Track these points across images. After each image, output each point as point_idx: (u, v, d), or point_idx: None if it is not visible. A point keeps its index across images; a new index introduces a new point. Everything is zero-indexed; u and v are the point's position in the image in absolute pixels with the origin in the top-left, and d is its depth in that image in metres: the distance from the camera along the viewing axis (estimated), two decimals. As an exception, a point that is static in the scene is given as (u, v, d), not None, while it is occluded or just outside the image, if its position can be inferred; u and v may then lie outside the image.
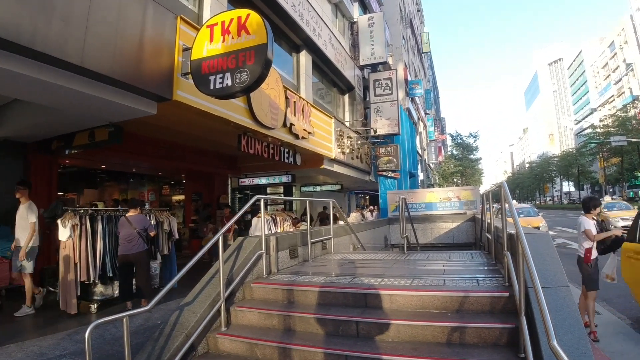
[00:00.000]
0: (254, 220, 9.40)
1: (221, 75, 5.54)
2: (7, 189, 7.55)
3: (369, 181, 18.71)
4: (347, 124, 17.59)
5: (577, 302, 5.90)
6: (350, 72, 18.25)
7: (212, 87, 5.60)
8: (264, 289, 4.70)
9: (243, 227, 11.48)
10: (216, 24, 5.75)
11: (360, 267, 5.74)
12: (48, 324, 5.75)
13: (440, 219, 13.02)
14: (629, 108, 50.65)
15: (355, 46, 19.59)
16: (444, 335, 3.42)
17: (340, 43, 16.88)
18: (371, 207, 19.55)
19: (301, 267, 5.85)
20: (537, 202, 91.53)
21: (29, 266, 6.40)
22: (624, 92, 76.39)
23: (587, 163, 63.03)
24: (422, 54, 52.15)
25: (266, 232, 5.33)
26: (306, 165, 12.12)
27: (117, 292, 6.88)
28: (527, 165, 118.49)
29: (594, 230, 5.70)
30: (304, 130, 10.56)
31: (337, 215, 11.38)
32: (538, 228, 15.18)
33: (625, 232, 6.26)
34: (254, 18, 5.47)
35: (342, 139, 13.91)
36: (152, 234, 7.02)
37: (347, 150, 14.39)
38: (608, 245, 5.82)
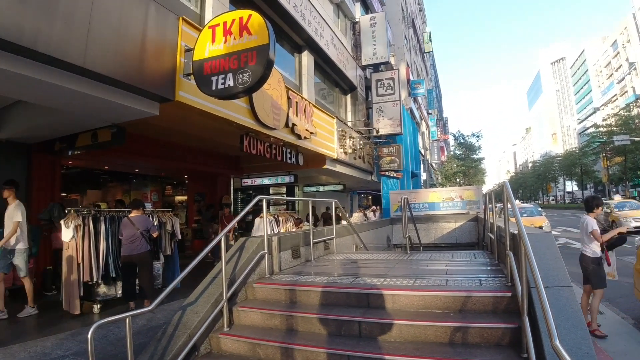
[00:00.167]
0: (257, 220, 9.41)
1: (223, 75, 5.55)
2: (10, 190, 7.58)
3: (372, 181, 18.69)
4: (350, 124, 17.60)
5: (579, 301, 5.90)
6: (352, 72, 18.25)
7: (214, 87, 5.61)
8: (266, 289, 4.70)
9: (245, 227, 11.51)
10: (218, 24, 5.76)
11: (363, 267, 5.74)
12: (51, 324, 5.76)
13: (442, 218, 13.01)
14: (632, 107, 50.40)
15: (357, 46, 19.58)
16: (447, 335, 3.42)
17: (342, 43, 16.88)
18: (373, 207, 19.52)
19: (303, 267, 5.85)
20: (540, 202, 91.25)
21: (23, 268, 6.32)
22: (626, 91, 76.03)
23: (590, 162, 62.79)
24: (425, 54, 52.09)
25: (269, 233, 5.33)
26: (308, 166, 12.12)
27: (120, 292, 6.89)
28: (530, 164, 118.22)
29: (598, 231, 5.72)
30: (306, 130, 10.56)
31: (340, 215, 11.40)
32: (541, 228, 15.16)
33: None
34: (255, 19, 5.48)
35: (344, 139, 13.91)
36: (154, 234, 7.04)
37: (350, 151, 14.38)
38: (611, 243, 5.82)
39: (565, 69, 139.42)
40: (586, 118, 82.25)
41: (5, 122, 7.35)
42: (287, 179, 12.88)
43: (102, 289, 6.74)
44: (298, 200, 15.89)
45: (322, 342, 3.64)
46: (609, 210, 19.39)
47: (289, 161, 10.51)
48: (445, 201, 13.64)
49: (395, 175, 19.09)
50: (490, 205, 6.61)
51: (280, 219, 9.82)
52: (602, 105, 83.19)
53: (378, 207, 19.65)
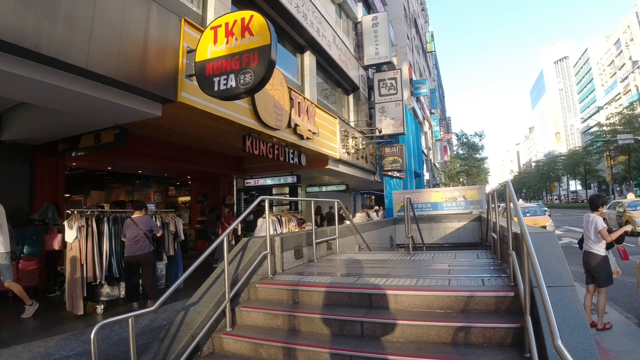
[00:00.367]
0: (259, 220, 9.42)
1: (225, 76, 5.56)
2: (14, 192, 7.63)
3: (375, 181, 18.69)
4: (352, 124, 17.60)
5: (583, 301, 5.89)
6: (354, 72, 18.25)
7: (216, 88, 5.62)
8: (268, 289, 4.71)
9: (245, 227, 11.50)
10: (220, 25, 5.78)
11: (365, 267, 5.73)
12: (54, 324, 5.78)
13: (446, 218, 12.98)
14: (635, 106, 50.27)
15: (359, 46, 19.58)
16: (449, 335, 3.41)
17: (344, 43, 16.88)
18: (376, 207, 19.52)
19: (306, 267, 5.85)
20: (543, 202, 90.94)
21: (4, 273, 5.99)
22: (630, 90, 75.80)
23: (593, 161, 62.58)
24: (427, 54, 52.03)
25: (271, 233, 5.34)
26: (311, 166, 12.13)
27: (123, 293, 6.92)
28: (533, 164, 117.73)
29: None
30: (309, 130, 10.56)
31: (344, 215, 11.39)
32: (545, 227, 15.12)
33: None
34: (257, 19, 5.49)
35: (347, 139, 13.91)
36: (158, 234, 7.06)
37: (352, 151, 14.38)
38: (615, 240, 5.82)
39: (569, 67, 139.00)
40: (590, 117, 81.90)
41: (8, 124, 7.39)
42: (290, 180, 12.89)
43: (106, 290, 6.76)
44: (300, 200, 15.89)
45: (325, 342, 3.64)
46: (622, 210, 18.92)
47: (291, 161, 10.52)
48: (448, 201, 13.61)
49: (398, 175, 19.08)
50: (493, 205, 6.60)
51: (283, 219, 9.82)
52: (605, 104, 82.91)
53: (381, 207, 19.65)
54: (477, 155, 57.54)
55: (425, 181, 32.68)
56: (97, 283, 6.57)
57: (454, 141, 67.85)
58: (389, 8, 26.87)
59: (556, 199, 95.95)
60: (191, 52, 6.10)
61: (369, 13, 21.41)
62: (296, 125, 9.87)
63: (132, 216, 6.80)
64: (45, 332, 5.39)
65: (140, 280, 6.90)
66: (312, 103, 11.22)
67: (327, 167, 12.67)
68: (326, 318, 3.92)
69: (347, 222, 9.75)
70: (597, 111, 79.50)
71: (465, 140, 57.68)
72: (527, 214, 18.30)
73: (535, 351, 2.75)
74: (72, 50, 4.46)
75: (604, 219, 5.86)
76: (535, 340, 2.83)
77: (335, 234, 7.54)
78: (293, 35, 12.86)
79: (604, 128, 53.29)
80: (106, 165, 11.58)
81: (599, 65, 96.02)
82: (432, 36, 51.21)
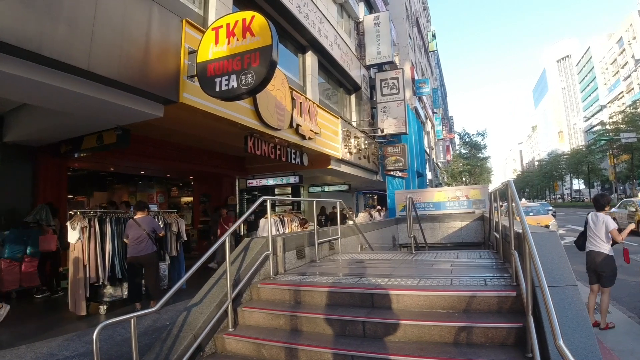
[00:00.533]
0: (262, 221, 9.42)
1: (227, 77, 5.57)
2: (17, 193, 7.66)
3: (377, 181, 18.67)
4: (354, 124, 17.59)
5: (586, 301, 5.87)
6: (356, 72, 18.24)
7: (217, 89, 5.63)
8: (271, 289, 4.71)
9: (247, 228, 11.52)
10: (221, 26, 5.79)
11: (368, 267, 5.74)
12: (57, 325, 5.80)
13: (448, 218, 12.97)
14: (638, 104, 49.97)
15: (361, 46, 19.57)
16: (451, 335, 3.41)
17: (346, 43, 16.87)
18: (379, 207, 19.50)
19: (308, 267, 5.86)
20: (546, 201, 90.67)
21: None
22: (633, 88, 75.56)
23: (597, 160, 62.34)
24: (429, 53, 51.96)
25: (274, 233, 5.34)
26: (313, 166, 12.13)
27: (126, 293, 6.93)
28: (536, 163, 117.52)
29: None
30: (311, 130, 10.56)
31: (347, 215, 11.39)
32: (547, 227, 15.09)
33: None
34: (258, 20, 5.50)
35: (349, 139, 13.90)
36: (160, 235, 7.07)
37: (354, 150, 14.38)
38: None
39: (571, 66, 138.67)
40: (592, 116, 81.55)
41: (11, 125, 7.42)
42: (292, 180, 12.88)
43: (108, 290, 6.78)
44: (302, 200, 15.89)
45: (327, 342, 3.64)
46: (634, 209, 18.55)
47: (293, 161, 10.53)
48: (451, 200, 13.59)
49: (400, 174, 19.07)
50: (495, 205, 6.59)
51: (286, 219, 9.83)
52: (608, 103, 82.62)
53: (383, 207, 19.64)
54: (480, 155, 57.33)
55: (427, 181, 32.67)
56: (100, 284, 6.58)
57: (457, 140, 67.61)
58: (391, 7, 26.84)
59: (559, 198, 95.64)
60: (193, 52, 6.10)
61: (370, 13, 21.40)
62: (298, 125, 9.88)
63: (135, 217, 6.82)
64: (48, 332, 5.40)
65: (143, 281, 6.91)
66: (314, 103, 11.22)
67: (330, 167, 12.67)
68: (328, 318, 3.92)
69: (350, 222, 9.74)
70: (600, 110, 79.18)
71: (467, 139, 57.43)
72: (530, 213, 18.25)
73: (537, 351, 2.74)
74: (73, 52, 4.47)
75: (614, 219, 5.84)
76: (538, 340, 2.82)
77: (337, 234, 7.53)
78: (294, 35, 12.87)
79: (607, 127, 53.09)
80: (109, 166, 11.60)
81: (601, 63, 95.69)
82: (434, 35, 51.08)
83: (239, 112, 7.52)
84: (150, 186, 16.51)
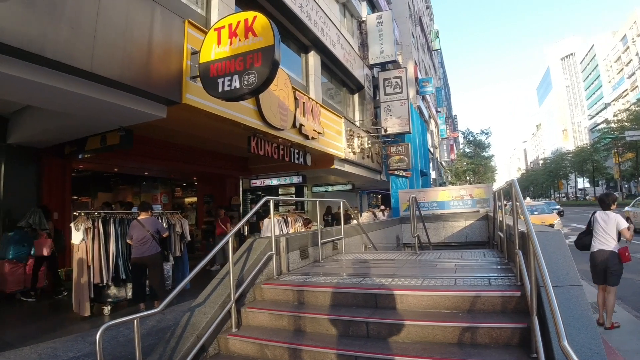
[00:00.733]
0: (265, 221, 9.43)
1: (229, 77, 5.57)
2: (21, 194, 7.68)
3: (381, 180, 18.65)
4: (358, 123, 17.57)
5: (595, 300, 5.86)
6: (359, 72, 18.22)
7: (220, 89, 5.63)
8: (274, 289, 4.71)
9: (249, 229, 11.54)
10: (223, 26, 5.79)
11: (371, 267, 5.72)
12: (61, 326, 5.81)
13: (452, 217, 12.92)
14: (643, 102, 49.79)
15: (364, 45, 19.54)
16: (455, 335, 3.39)
17: (349, 43, 16.86)
18: (382, 207, 19.48)
19: (312, 267, 5.85)
20: (552, 199, 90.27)
21: None
22: (637, 86, 75.15)
23: (601, 159, 62.05)
24: (432, 52, 51.87)
25: (277, 233, 5.33)
26: (317, 166, 12.13)
27: (130, 294, 6.94)
28: (541, 161, 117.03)
29: None
30: (314, 130, 10.56)
31: (352, 215, 11.39)
32: (552, 226, 15.01)
33: None
34: (260, 20, 5.50)
35: (352, 138, 13.89)
36: (164, 235, 7.07)
37: (358, 150, 14.36)
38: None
39: (575, 64, 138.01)
40: (597, 114, 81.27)
41: (15, 127, 7.45)
42: (296, 180, 12.89)
43: (112, 291, 6.80)
44: (306, 200, 15.89)
45: (330, 342, 3.63)
46: None
47: (297, 161, 10.53)
48: (455, 200, 13.55)
49: (404, 174, 19.04)
50: (499, 204, 6.56)
51: (289, 219, 9.83)
52: (613, 101, 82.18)
53: (387, 206, 19.61)
54: (484, 154, 57.25)
55: (431, 180, 32.62)
56: (104, 284, 6.60)
57: (461, 139, 67.52)
58: (394, 6, 26.81)
59: (563, 197, 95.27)
60: (195, 53, 6.11)
61: (373, 12, 21.36)
62: (301, 125, 9.87)
63: (138, 217, 6.82)
64: (52, 333, 5.42)
65: (147, 281, 6.92)
66: (317, 103, 11.21)
67: (333, 166, 12.67)
68: (331, 318, 3.91)
69: (354, 222, 9.73)
70: (605, 108, 78.89)
71: (471, 138, 57.39)
72: (535, 212, 18.17)
73: (542, 352, 2.72)
74: (76, 54, 4.48)
75: (627, 218, 5.81)
76: (542, 341, 2.80)
77: (341, 234, 7.52)
78: (297, 35, 12.86)
79: (612, 125, 52.84)
80: (112, 167, 11.64)
81: (605, 61, 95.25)
82: (437, 34, 50.97)
83: (241, 113, 7.52)
84: (155, 187, 16.57)
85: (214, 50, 5.83)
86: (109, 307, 6.69)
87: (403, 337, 3.55)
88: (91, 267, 6.40)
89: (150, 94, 5.63)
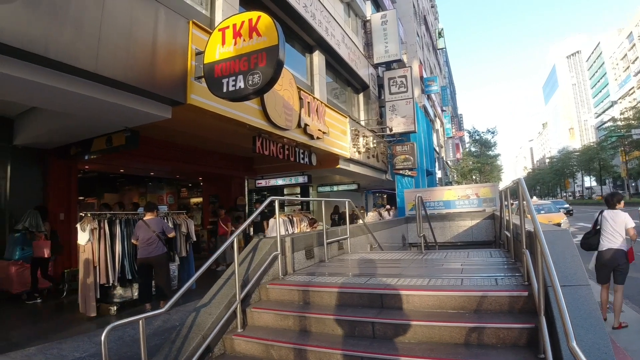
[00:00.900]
0: (271, 221, 9.43)
1: (234, 77, 5.57)
2: (27, 195, 7.72)
3: (386, 180, 18.62)
4: (363, 123, 17.54)
5: (599, 300, 5.81)
6: (364, 71, 18.18)
7: (225, 90, 5.63)
8: (279, 290, 4.70)
9: (253, 229, 11.55)
10: (228, 27, 5.79)
11: (377, 267, 5.70)
12: (68, 326, 5.83)
13: (458, 217, 12.88)
14: (649, 100, 49.46)
15: (368, 45, 19.50)
16: (462, 336, 3.37)
17: (353, 42, 16.83)
18: (388, 206, 19.43)
19: (317, 267, 5.83)
20: (559, 198, 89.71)
21: None
22: (644, 84, 74.65)
23: (608, 157, 61.62)
24: (437, 51, 51.69)
25: (282, 233, 5.32)
26: (322, 166, 12.12)
27: (136, 294, 6.97)
28: (547, 160, 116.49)
29: None
30: (319, 130, 10.54)
31: (358, 215, 11.37)
32: (559, 225, 14.93)
33: None
34: (264, 20, 5.49)
35: (357, 138, 13.87)
36: (170, 235, 7.07)
37: (363, 150, 14.34)
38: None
39: (581, 62, 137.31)
40: (603, 112, 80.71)
41: (21, 129, 7.49)
42: (301, 179, 12.88)
43: (119, 291, 6.82)
44: (311, 200, 15.88)
45: (336, 343, 3.61)
46: None
47: (302, 161, 10.51)
48: (461, 199, 13.50)
49: (409, 173, 18.99)
50: (505, 203, 6.52)
51: (295, 219, 9.82)
52: (619, 99, 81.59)
53: (393, 206, 19.57)
54: (490, 153, 57.01)
55: (437, 179, 32.51)
56: (110, 285, 6.61)
57: (466, 138, 67.27)
58: (398, 5, 26.74)
59: (570, 196, 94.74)
60: (200, 54, 6.11)
61: (377, 11, 21.31)
62: (306, 125, 9.86)
63: (144, 218, 6.84)
64: (58, 333, 5.44)
65: (153, 282, 6.93)
66: (321, 102, 11.20)
67: (338, 166, 12.65)
68: (337, 319, 3.89)
69: (360, 222, 9.71)
70: (611, 106, 78.32)
71: (477, 137, 57.15)
72: (541, 211, 18.09)
73: (550, 352, 2.69)
74: (81, 55, 4.49)
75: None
76: (550, 341, 2.78)
77: (346, 234, 7.50)
78: (302, 35, 12.85)
79: (618, 123, 52.50)
80: (118, 168, 11.68)
81: (611, 59, 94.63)
82: (441, 33, 50.79)
83: (246, 113, 7.52)
84: (160, 187, 16.63)
85: (218, 50, 5.83)
86: (115, 308, 6.71)
87: (409, 338, 3.53)
88: (97, 267, 6.43)
89: (155, 94, 5.64)
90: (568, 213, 29.88)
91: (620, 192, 6.63)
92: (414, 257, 6.59)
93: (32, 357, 4.57)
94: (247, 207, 14.35)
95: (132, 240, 6.75)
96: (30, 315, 6.59)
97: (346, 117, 13.31)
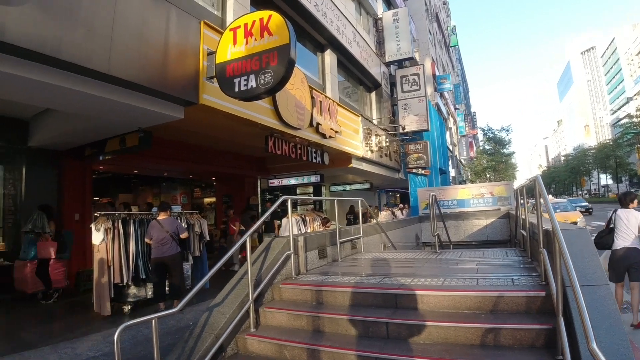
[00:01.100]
0: (284, 220, 9.43)
1: (245, 77, 5.56)
2: (43, 197, 7.80)
3: (399, 179, 18.52)
4: (375, 121, 17.47)
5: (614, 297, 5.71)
6: (376, 69, 18.10)
7: (237, 89, 5.63)
8: (292, 289, 4.67)
9: (264, 229, 11.56)
10: (239, 26, 5.78)
11: (390, 267, 5.65)
12: (82, 325, 5.88)
13: (473, 215, 12.74)
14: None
15: (380, 43, 19.40)
16: (478, 336, 3.31)
17: (365, 40, 16.76)
18: (401, 205, 19.33)
19: (330, 267, 5.80)
20: (576, 196, 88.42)
21: None
22: (660, 80, 73.27)
23: (624, 154, 60.63)
24: (450, 48, 51.32)
25: (295, 232, 5.30)
26: (334, 165, 12.08)
27: (150, 293, 7.01)
28: (562, 158, 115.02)
29: None
30: (331, 129, 10.51)
31: (372, 215, 11.31)
32: (575, 223, 14.72)
33: None
34: (275, 19, 5.47)
35: (370, 137, 13.81)
36: (183, 236, 7.10)
37: (376, 148, 14.27)
38: None
39: (596, 58, 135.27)
40: (619, 108, 79.29)
41: (35, 130, 7.58)
42: (314, 179, 12.87)
43: (132, 291, 6.86)
44: (324, 199, 15.85)
45: (349, 343, 3.58)
46: None
47: (314, 161, 10.49)
48: (475, 198, 13.37)
49: (422, 172, 18.86)
50: (521, 201, 6.42)
51: (307, 218, 9.81)
52: (635, 95, 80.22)
53: (406, 205, 19.45)
54: (504, 151, 56.34)
55: (450, 178, 32.28)
56: (124, 284, 6.66)
57: (480, 136, 66.65)
58: (410, 3, 26.57)
59: (585, 194, 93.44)
60: (211, 54, 6.12)
61: (389, 9, 21.19)
62: (318, 124, 9.83)
63: (157, 218, 6.87)
64: (72, 332, 5.48)
65: (167, 281, 6.96)
66: (333, 101, 11.16)
67: (351, 165, 12.61)
68: (350, 319, 3.86)
69: (373, 221, 9.66)
70: (627, 102, 76.93)
71: (491, 135, 56.50)
72: (557, 210, 17.85)
73: (568, 354, 2.63)
74: (93, 56, 4.52)
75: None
76: (568, 342, 2.72)
77: (359, 233, 7.46)
78: (313, 34, 12.82)
79: (634, 119, 51.59)
80: (132, 168, 11.77)
81: (627, 55, 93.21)
82: (454, 30, 50.41)
83: (258, 112, 7.51)
84: (174, 187, 16.73)
85: (229, 50, 5.82)
86: (129, 307, 6.76)
87: (424, 338, 3.48)
88: (111, 267, 6.48)
89: (167, 95, 5.66)
90: (587, 212, 29.36)
91: (632, 190, 6.58)
92: (428, 257, 6.52)
93: (46, 356, 4.61)
94: (259, 207, 14.37)
95: (146, 240, 6.79)
96: (45, 314, 6.66)
97: (358, 116, 13.26)
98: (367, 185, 18.42)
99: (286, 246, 5.06)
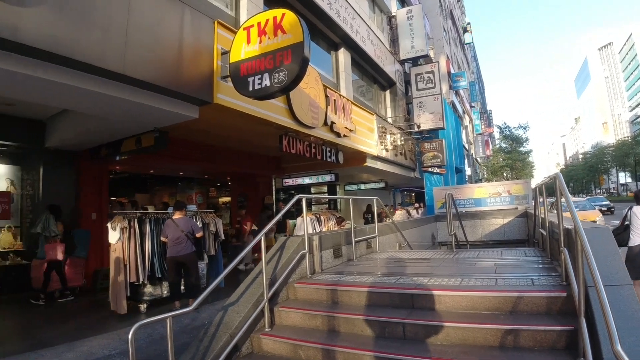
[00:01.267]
0: (298, 220, 9.42)
1: (259, 76, 5.55)
2: (59, 197, 7.89)
3: (414, 178, 18.39)
4: (390, 120, 17.38)
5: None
6: (390, 68, 17.99)
7: (251, 88, 5.62)
8: (307, 289, 4.64)
9: (277, 229, 11.57)
10: (252, 25, 5.77)
11: (407, 266, 5.59)
12: (98, 324, 5.92)
13: (490, 215, 12.57)
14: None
15: (394, 41, 19.29)
16: (497, 338, 3.24)
17: (379, 38, 16.67)
18: (417, 205, 19.19)
19: (345, 266, 5.76)
20: (598, 194, 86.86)
21: None
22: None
23: (643, 152, 59.44)
24: (465, 45, 50.83)
25: (310, 232, 5.27)
26: (349, 164, 12.03)
27: (165, 292, 7.04)
28: (580, 156, 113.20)
29: None
30: (346, 128, 10.46)
31: (387, 214, 11.25)
32: (595, 222, 14.45)
33: None
34: (289, 17, 5.44)
35: (384, 135, 13.73)
36: (198, 235, 7.11)
37: (391, 147, 14.18)
38: None
39: (614, 54, 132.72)
40: (638, 105, 77.71)
41: (52, 131, 7.68)
42: (328, 178, 12.84)
43: (148, 289, 6.90)
44: (338, 198, 15.81)
45: (365, 344, 3.53)
46: None
47: (328, 160, 10.45)
48: (492, 196, 13.18)
49: (438, 171, 18.69)
50: (540, 200, 6.30)
51: (322, 217, 9.78)
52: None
53: (421, 204, 19.31)
54: (522, 149, 55.56)
55: (466, 177, 31.96)
56: (140, 283, 6.70)
57: (496, 134, 65.89)
58: (424, 0, 26.37)
59: (604, 192, 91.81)
60: (225, 53, 6.12)
61: (402, 6, 21.06)
62: (332, 123, 9.79)
63: (173, 217, 6.89)
64: (88, 331, 5.51)
65: (182, 280, 6.99)
66: (348, 100, 11.11)
67: (365, 164, 12.55)
68: (366, 319, 3.81)
69: (388, 220, 9.59)
70: (645, 99, 75.50)
71: (508, 133, 55.77)
72: (576, 209, 17.44)
73: (590, 355, 2.56)
74: (108, 56, 4.54)
75: None
76: (590, 344, 2.64)
77: (374, 232, 7.40)
78: (326, 32, 12.79)
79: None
80: (147, 168, 11.87)
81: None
82: (468, 28, 49.91)
83: (272, 111, 7.50)
84: (190, 187, 16.84)
85: (243, 49, 5.81)
86: (145, 305, 6.79)
87: (441, 340, 3.42)
88: (127, 265, 6.52)
89: (182, 94, 5.67)
90: (609, 210, 28.70)
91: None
92: (445, 256, 6.44)
93: (62, 354, 4.64)
94: (274, 206, 14.39)
95: (162, 238, 6.82)
96: (62, 313, 6.72)
97: (373, 115, 13.19)
98: (382, 185, 18.33)
99: (301, 245, 5.04)
